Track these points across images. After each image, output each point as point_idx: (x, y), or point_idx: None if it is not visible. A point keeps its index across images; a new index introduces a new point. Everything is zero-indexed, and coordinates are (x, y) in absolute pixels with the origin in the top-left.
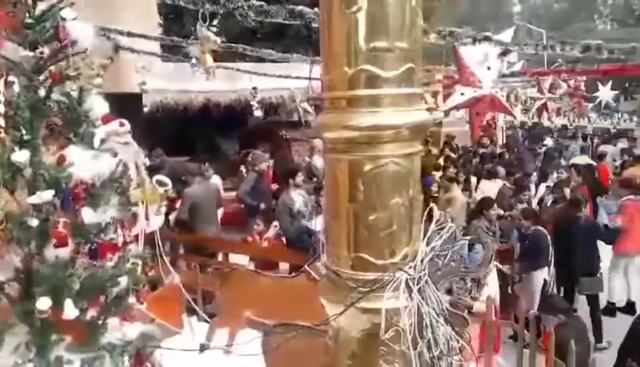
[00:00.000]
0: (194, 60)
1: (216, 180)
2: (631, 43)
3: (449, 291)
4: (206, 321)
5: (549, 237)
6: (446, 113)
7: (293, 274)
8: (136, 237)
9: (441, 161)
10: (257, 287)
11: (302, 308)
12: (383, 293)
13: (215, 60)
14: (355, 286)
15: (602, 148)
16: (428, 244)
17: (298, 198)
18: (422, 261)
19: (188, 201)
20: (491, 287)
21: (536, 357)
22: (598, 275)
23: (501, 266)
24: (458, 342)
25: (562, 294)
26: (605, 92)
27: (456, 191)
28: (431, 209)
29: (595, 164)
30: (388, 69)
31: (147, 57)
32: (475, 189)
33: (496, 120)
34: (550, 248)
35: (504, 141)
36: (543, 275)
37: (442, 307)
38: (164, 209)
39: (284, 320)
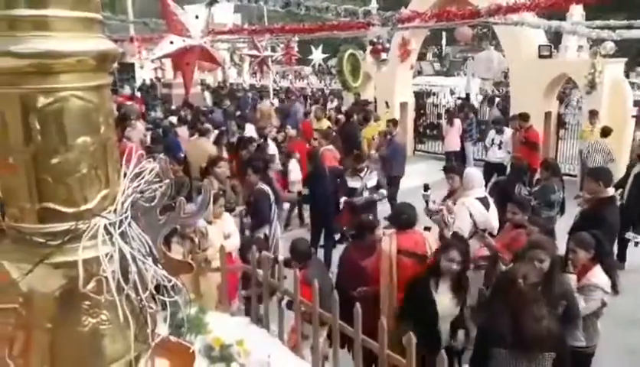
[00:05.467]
0: None
1: None
2: (325, 3)
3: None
4: None
5: (272, 197)
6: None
7: None
8: None
9: None
10: None
11: None
12: (78, 244)
13: None
14: (44, 241)
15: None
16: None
17: None
18: (122, 203)
19: None
20: (233, 238)
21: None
22: None
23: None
24: (170, 282)
25: None
26: (317, 55)
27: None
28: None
29: None
30: None
31: None
32: None
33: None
34: (273, 206)
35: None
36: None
37: (150, 250)
38: None
39: None
